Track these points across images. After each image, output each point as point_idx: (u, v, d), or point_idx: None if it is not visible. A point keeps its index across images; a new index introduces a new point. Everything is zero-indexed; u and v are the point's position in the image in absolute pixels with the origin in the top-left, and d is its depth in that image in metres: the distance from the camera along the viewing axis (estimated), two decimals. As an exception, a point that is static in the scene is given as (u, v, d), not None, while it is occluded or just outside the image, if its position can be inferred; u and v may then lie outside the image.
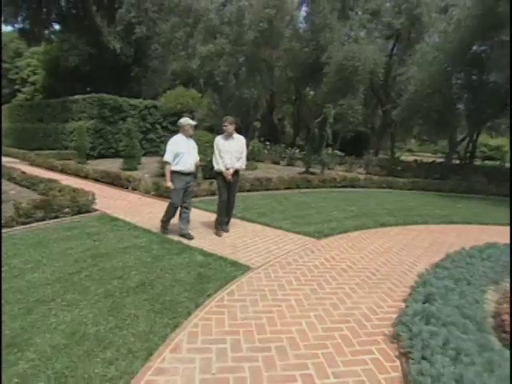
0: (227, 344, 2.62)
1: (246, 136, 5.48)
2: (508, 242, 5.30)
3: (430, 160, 16.74)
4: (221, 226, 5.50)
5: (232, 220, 5.85)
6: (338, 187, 10.71)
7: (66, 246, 4.45)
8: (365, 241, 5.56)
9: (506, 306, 3.32)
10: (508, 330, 2.92)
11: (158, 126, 17.75)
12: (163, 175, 10.54)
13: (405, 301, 3.39)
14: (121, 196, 8.14)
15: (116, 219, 5.91)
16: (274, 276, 3.93)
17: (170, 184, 5.02)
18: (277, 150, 17.18)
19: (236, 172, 5.32)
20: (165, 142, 12.59)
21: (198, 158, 5.34)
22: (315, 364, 2.44)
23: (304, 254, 4.75)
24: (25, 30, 21.12)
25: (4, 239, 4.69)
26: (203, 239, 5.10)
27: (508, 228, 6.96)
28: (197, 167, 5.31)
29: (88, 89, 22.32)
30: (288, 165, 15.76)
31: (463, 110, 14.37)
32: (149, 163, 13.07)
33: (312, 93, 22.34)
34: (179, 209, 5.19)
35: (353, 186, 11.00)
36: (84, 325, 2.73)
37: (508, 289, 3.73)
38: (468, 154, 16.48)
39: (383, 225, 6.64)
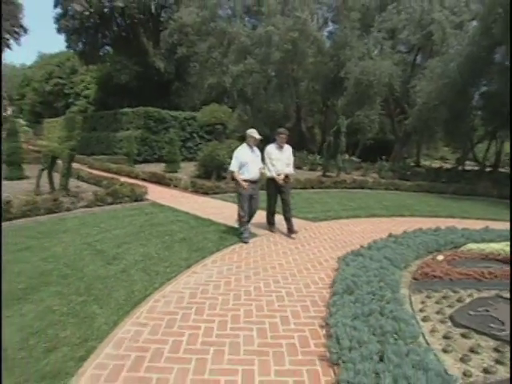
0: (233, 266, 4.43)
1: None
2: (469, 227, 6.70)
3: (449, 166, 17.75)
4: (273, 224, 6.29)
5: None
6: (348, 188, 12.18)
7: (132, 219, 6.49)
8: (351, 225, 7.13)
9: (430, 261, 4.86)
10: (419, 272, 4.48)
11: (195, 135, 20.01)
12: (199, 176, 12.70)
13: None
14: (165, 191, 10.23)
15: (163, 205, 7.94)
16: (272, 240, 5.72)
17: (244, 185, 5.39)
18: (300, 156, 18.82)
19: (286, 176, 5.87)
20: (201, 149, 14.71)
21: (262, 165, 5.83)
22: (283, 276, 4.18)
23: (298, 230, 6.45)
24: (83, 53, 24.38)
25: (88, 215, 6.80)
26: (229, 220, 6.87)
27: (482, 222, 8.21)
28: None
29: (133, 102, 25.23)
30: (310, 170, 17.40)
31: (474, 119, 15.31)
32: (187, 167, 15.29)
33: (339, 102, 23.73)
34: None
35: (362, 188, 12.40)
36: (151, 253, 4.66)
37: (438, 256, 5.21)
38: (487, 162, 17.31)
39: (373, 216, 8.14)
